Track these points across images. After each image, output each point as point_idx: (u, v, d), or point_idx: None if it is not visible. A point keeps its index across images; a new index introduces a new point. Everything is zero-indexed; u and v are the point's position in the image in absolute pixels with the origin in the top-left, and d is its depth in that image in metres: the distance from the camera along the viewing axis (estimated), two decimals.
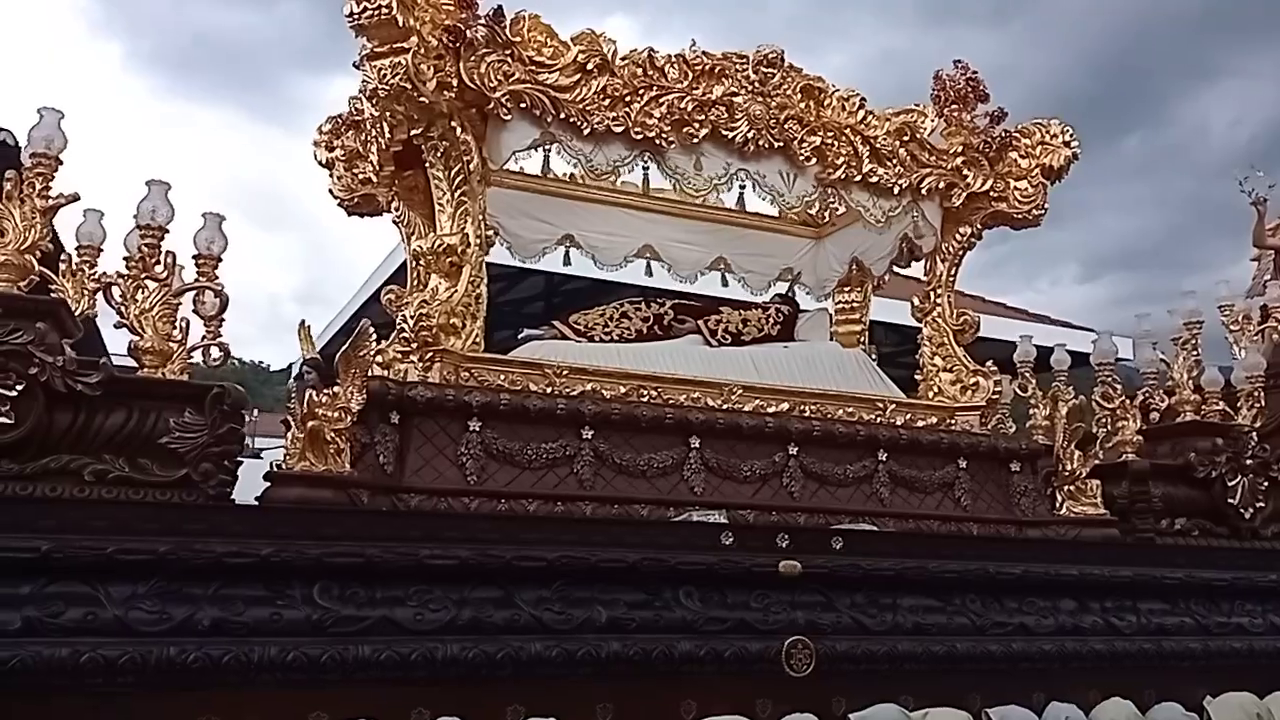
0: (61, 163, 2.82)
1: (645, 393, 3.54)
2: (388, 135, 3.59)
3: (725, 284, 4.95)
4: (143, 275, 2.83)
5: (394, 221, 4.18)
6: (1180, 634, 3.69)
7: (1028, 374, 5.18)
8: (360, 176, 4.16)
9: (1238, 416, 4.81)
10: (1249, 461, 4.24)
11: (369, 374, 2.93)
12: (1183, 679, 3.62)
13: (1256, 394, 4.78)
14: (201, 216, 3.11)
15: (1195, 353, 4.61)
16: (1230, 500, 4.17)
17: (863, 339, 4.88)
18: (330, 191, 4.26)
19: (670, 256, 4.76)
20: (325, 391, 2.83)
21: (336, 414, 2.81)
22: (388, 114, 3.46)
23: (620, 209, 4.71)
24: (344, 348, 2.86)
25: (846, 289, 4.96)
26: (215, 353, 3.75)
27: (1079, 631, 3.51)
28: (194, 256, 3.09)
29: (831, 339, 4.78)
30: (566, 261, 4.58)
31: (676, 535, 3.10)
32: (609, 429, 3.32)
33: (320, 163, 4.28)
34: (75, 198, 2.84)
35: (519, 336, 3.94)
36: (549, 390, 3.37)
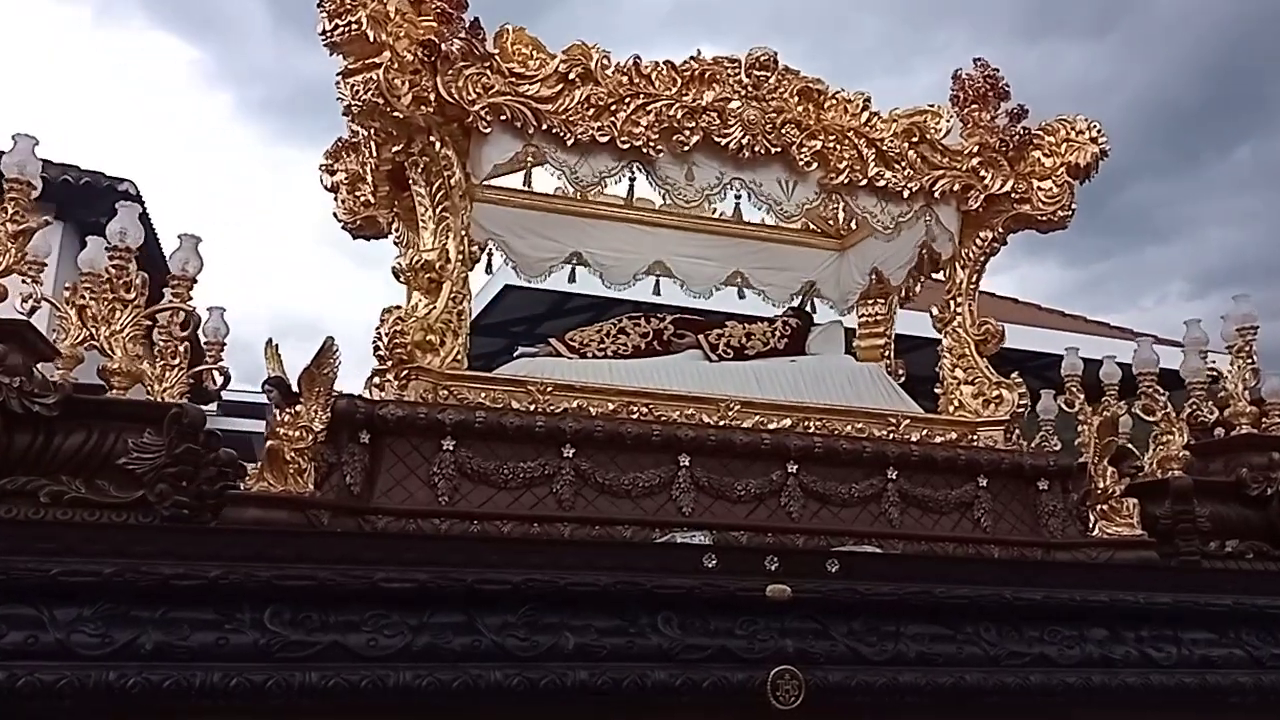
0: (35, 187, 2.85)
1: (635, 409, 3.40)
2: (375, 154, 3.56)
3: (742, 297, 4.78)
4: (112, 297, 2.83)
5: (394, 242, 4.16)
6: (1228, 666, 3.35)
7: (1075, 388, 4.89)
8: (361, 199, 4.15)
9: None
10: None
11: (334, 392, 2.87)
12: (1230, 717, 3.29)
13: None
14: (177, 238, 3.12)
15: (1251, 361, 4.26)
16: None
17: (886, 353, 4.66)
18: (334, 215, 4.27)
19: (682, 272, 4.62)
20: (287, 410, 2.78)
21: (298, 433, 2.76)
22: (373, 132, 3.44)
23: (630, 224, 4.61)
24: (306, 365, 2.81)
25: (870, 301, 4.75)
26: (218, 378, 3.78)
27: (1108, 663, 3.21)
28: (168, 277, 3.10)
29: (853, 353, 4.58)
30: (571, 279, 4.47)
31: (655, 557, 2.94)
32: (591, 447, 3.20)
33: (326, 187, 4.30)
34: (46, 223, 2.87)
35: (514, 354, 3.86)
36: (532, 408, 3.26)
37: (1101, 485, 3.63)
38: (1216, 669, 3.34)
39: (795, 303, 4.83)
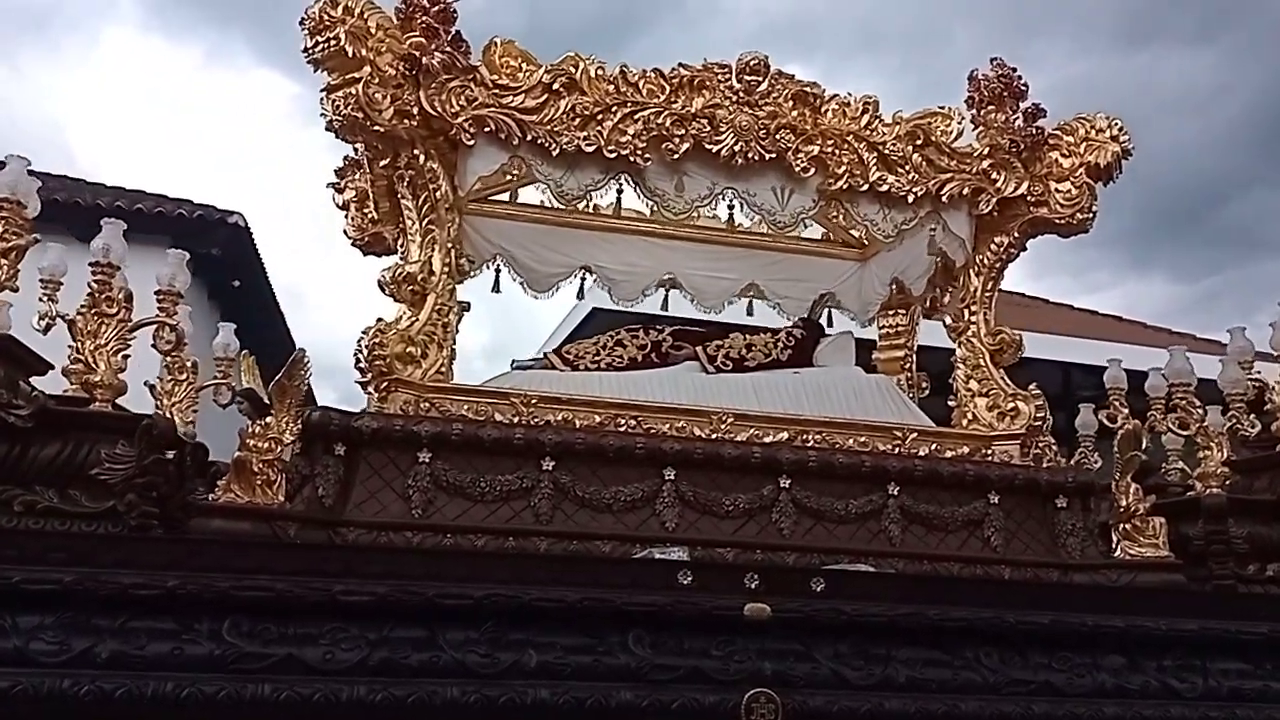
0: (24, 205, 2.94)
1: (623, 422, 3.33)
2: (370, 170, 3.59)
3: (750, 313, 4.67)
4: (91, 311, 2.89)
5: (400, 259, 4.18)
6: (1263, 701, 3.08)
7: (1120, 402, 4.65)
8: (370, 216, 4.19)
9: None
10: None
11: (304, 403, 2.88)
12: None
13: None
14: (167, 253, 3.19)
15: None
16: None
17: (907, 365, 4.48)
18: (344, 232, 4.32)
19: (694, 286, 4.54)
20: (258, 422, 2.79)
21: (267, 444, 2.77)
22: (365, 149, 3.47)
23: (642, 237, 4.55)
24: (277, 376, 2.82)
25: (890, 313, 4.59)
26: (225, 394, 3.84)
27: (1124, 693, 2.98)
28: (155, 292, 3.16)
29: (871, 366, 4.42)
30: (580, 296, 4.42)
31: (627, 573, 2.85)
32: (573, 460, 3.13)
33: (338, 205, 4.36)
34: (35, 240, 2.95)
35: (511, 367, 3.83)
36: (515, 421, 3.22)
37: (1125, 503, 3.41)
38: (1247, 703, 3.08)
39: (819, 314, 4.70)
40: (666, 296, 4.54)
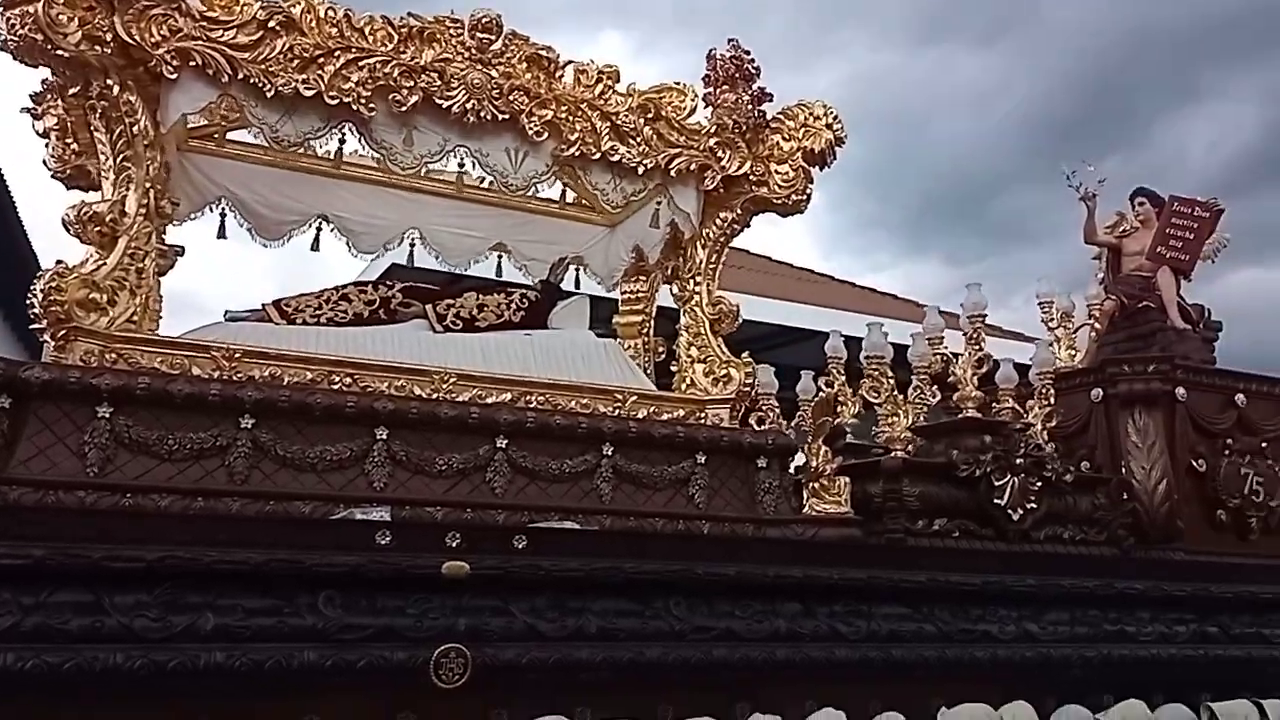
0: None
1: (337, 380, 3.26)
2: (61, 98, 3.28)
3: (499, 273, 4.68)
4: None
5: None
6: (917, 641, 3.49)
7: (837, 370, 5.00)
8: (71, 147, 3.83)
9: (1029, 415, 4.67)
10: (1020, 461, 4.08)
11: None
12: (915, 689, 3.42)
13: (1046, 392, 4.63)
14: None
15: (979, 348, 4.45)
16: (997, 501, 4.00)
17: (645, 329, 4.66)
18: (44, 163, 3.93)
19: (439, 242, 4.48)
20: None
21: None
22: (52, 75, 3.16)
23: (387, 188, 4.43)
24: None
25: (632, 279, 4.73)
26: None
27: (796, 638, 3.28)
28: None
29: (610, 329, 4.55)
30: (315, 247, 4.24)
31: (322, 534, 2.82)
32: (275, 418, 3.03)
33: (37, 133, 3.95)
34: None
35: (224, 317, 3.64)
36: (215, 375, 3.07)
37: (815, 464, 3.72)
38: (903, 643, 3.47)
39: (558, 277, 4.77)
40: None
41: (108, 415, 2.83)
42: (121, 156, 3.15)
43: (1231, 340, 5.29)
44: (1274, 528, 4.68)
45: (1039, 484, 4.09)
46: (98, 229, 3.03)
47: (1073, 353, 5.63)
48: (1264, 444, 4.71)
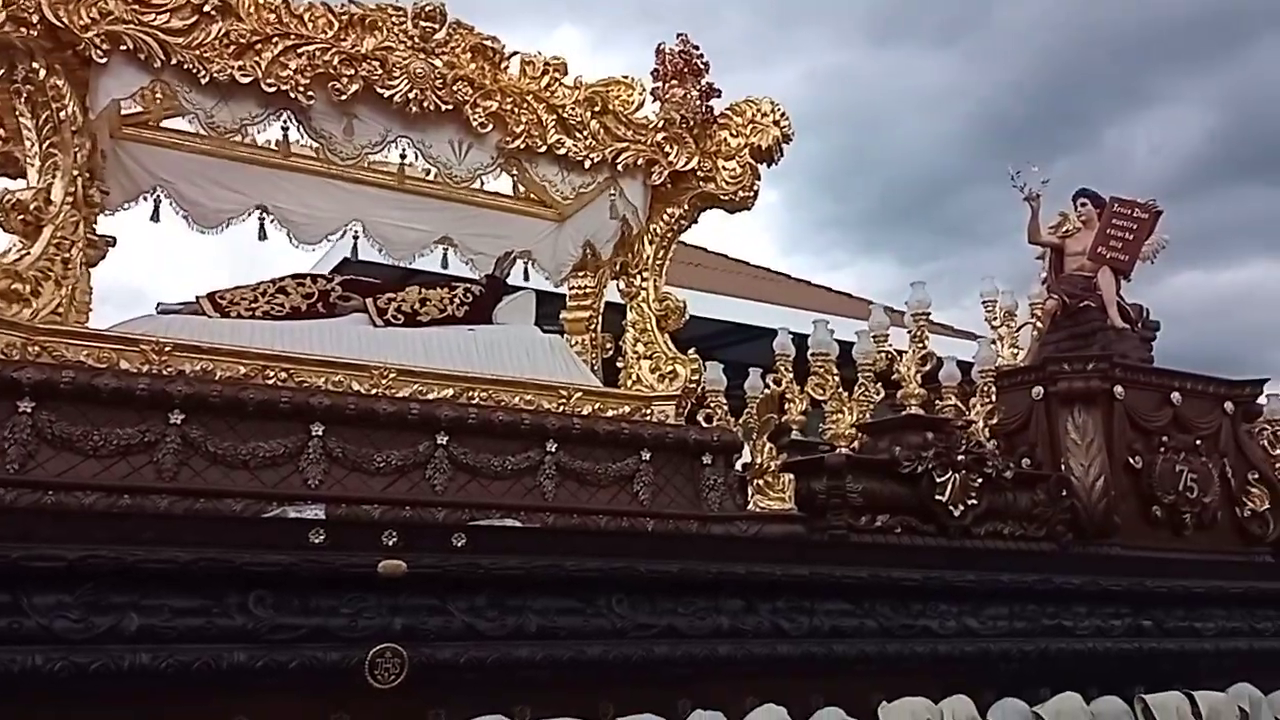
0: None
1: (271, 375, 3.19)
2: None
3: (445, 265, 4.62)
4: None
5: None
6: (858, 636, 3.51)
7: (785, 367, 5.00)
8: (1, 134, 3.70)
9: (972, 413, 4.72)
10: (961, 457, 4.12)
11: None
12: (856, 684, 3.44)
13: (988, 390, 4.68)
14: None
15: (923, 346, 4.49)
16: (938, 497, 4.04)
17: (592, 325, 4.63)
18: None
19: (382, 235, 4.41)
20: None
21: None
22: None
23: (329, 180, 4.35)
24: None
25: (580, 274, 4.70)
26: None
27: (738, 634, 3.28)
28: None
29: (555, 325, 4.52)
30: (263, 236, 4.15)
31: (253, 533, 2.76)
32: (206, 413, 2.96)
33: None
34: None
35: (156, 310, 3.55)
36: (144, 369, 2.98)
37: (759, 460, 3.72)
38: (845, 639, 3.49)
39: (504, 272, 4.72)
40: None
41: (29, 410, 2.74)
42: (48, 143, 3.05)
43: (1169, 340, 5.42)
44: (1207, 523, 4.79)
45: (980, 481, 4.14)
46: (21, 217, 2.93)
47: (1015, 351, 5.72)
48: (1198, 441, 4.83)
